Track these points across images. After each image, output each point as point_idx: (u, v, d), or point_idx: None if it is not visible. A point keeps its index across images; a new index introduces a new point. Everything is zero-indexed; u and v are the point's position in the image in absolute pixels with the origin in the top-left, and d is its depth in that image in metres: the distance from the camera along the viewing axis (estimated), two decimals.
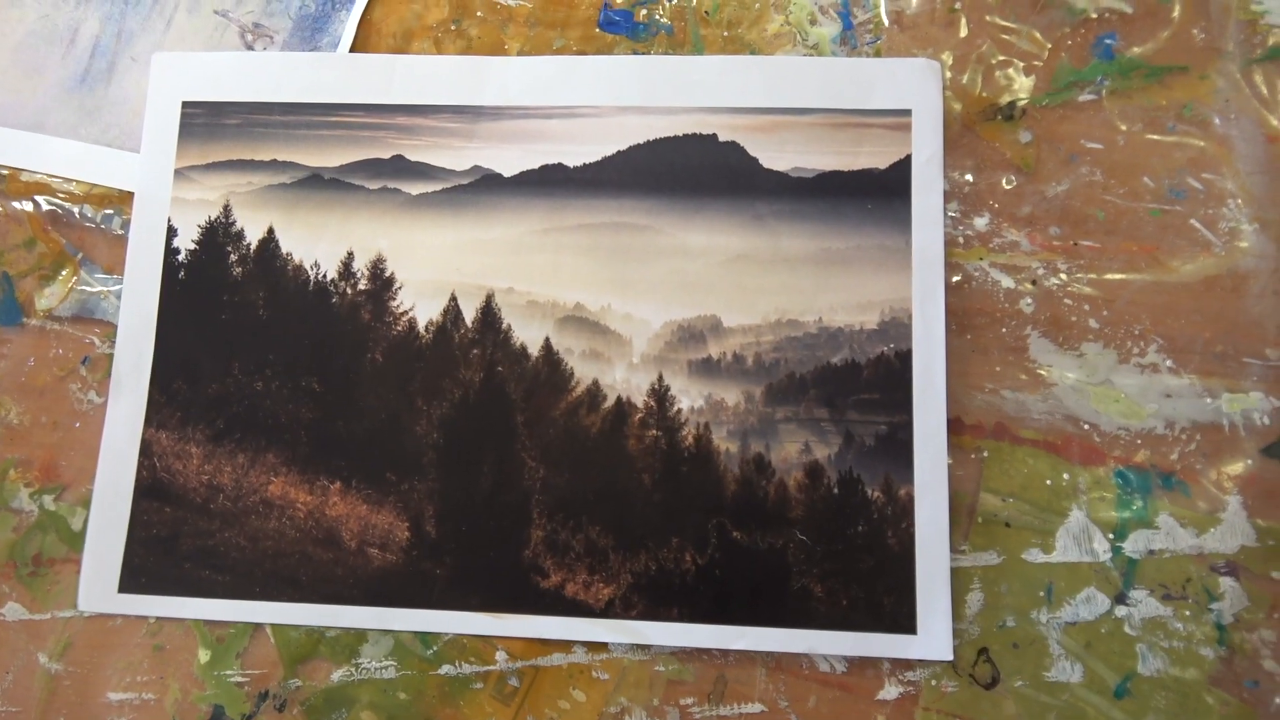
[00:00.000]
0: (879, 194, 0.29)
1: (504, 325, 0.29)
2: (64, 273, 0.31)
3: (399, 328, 0.29)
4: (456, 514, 0.28)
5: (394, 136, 0.30)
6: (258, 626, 0.28)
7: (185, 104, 0.31)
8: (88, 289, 0.31)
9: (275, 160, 0.31)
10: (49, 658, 0.28)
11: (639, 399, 0.28)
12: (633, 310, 0.29)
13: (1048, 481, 0.27)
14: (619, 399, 0.28)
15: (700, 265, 0.29)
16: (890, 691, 0.26)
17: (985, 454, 0.28)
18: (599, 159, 0.30)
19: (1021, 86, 0.30)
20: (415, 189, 0.30)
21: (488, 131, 0.30)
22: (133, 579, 0.28)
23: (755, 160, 0.29)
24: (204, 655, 0.28)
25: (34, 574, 0.29)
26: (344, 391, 0.29)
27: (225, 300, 0.30)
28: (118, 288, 0.30)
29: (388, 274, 0.30)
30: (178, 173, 0.31)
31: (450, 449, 0.28)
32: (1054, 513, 0.27)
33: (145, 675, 0.28)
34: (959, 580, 0.27)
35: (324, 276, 0.30)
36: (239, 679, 0.27)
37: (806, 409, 0.28)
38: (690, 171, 0.29)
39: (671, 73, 0.30)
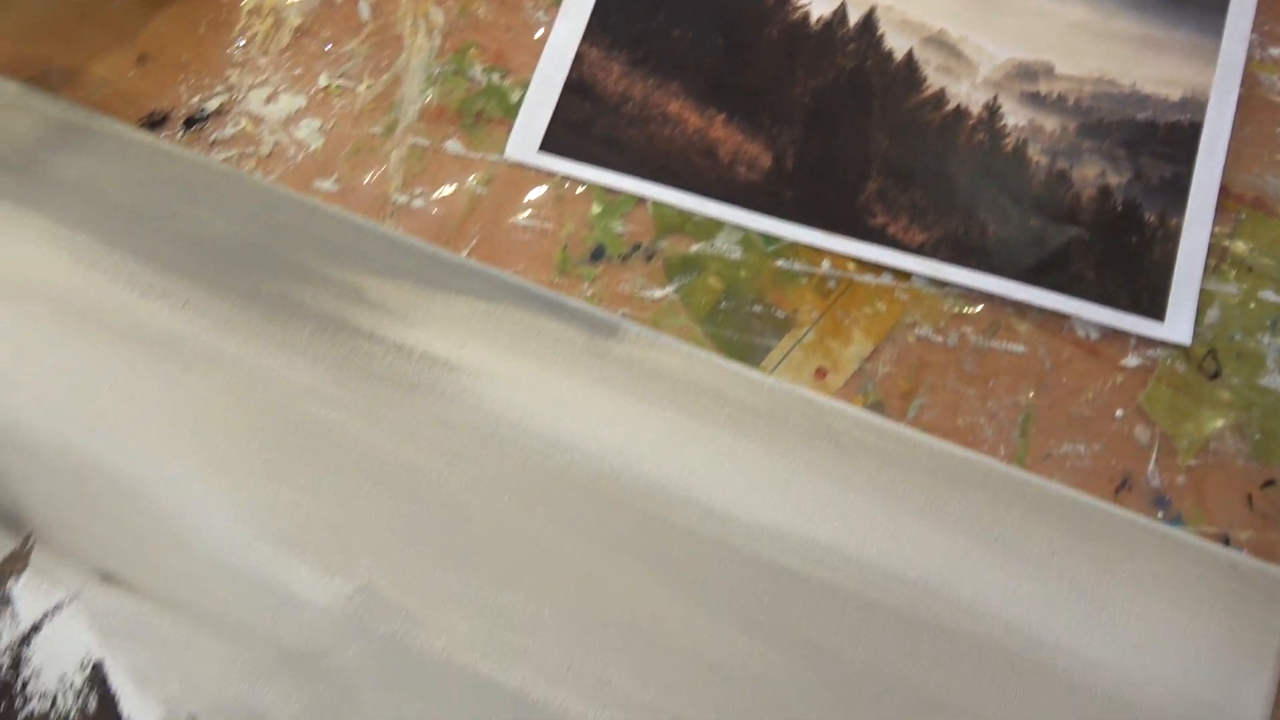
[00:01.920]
0: (1200, 3, 0.36)
1: (879, 32, 0.37)
2: None
3: (795, 16, 0.37)
4: (812, 157, 0.35)
5: None
6: (640, 200, 0.35)
7: None
8: None
9: None
10: (475, 183, 0.36)
11: (975, 110, 0.36)
12: (985, 44, 0.36)
13: None
14: (959, 106, 0.36)
15: (1045, 24, 0.36)
16: (1132, 361, 0.33)
17: (1243, 216, 0.34)
18: None
19: None
20: None
21: None
22: (551, 144, 0.36)
23: None
24: (596, 208, 0.36)
25: (474, 125, 0.37)
26: (741, 52, 0.37)
27: None
28: None
29: None
30: None
31: (816, 111, 0.36)
32: None
33: (547, 211, 0.36)
34: (1203, 298, 0.33)
35: None
36: (620, 230, 0.35)
37: (1109, 147, 0.35)
38: None
39: None
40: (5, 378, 0.32)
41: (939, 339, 0.34)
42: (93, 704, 0.29)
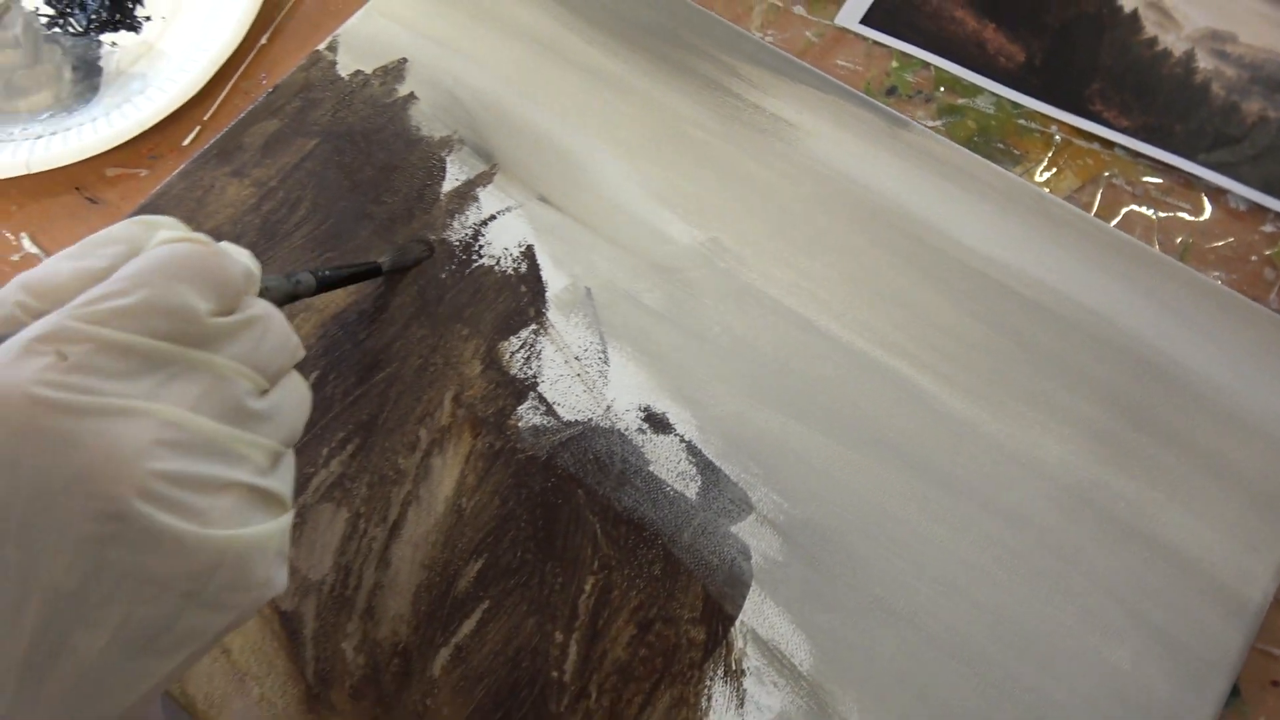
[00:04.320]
0: None
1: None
2: None
3: None
4: (1055, 61, 0.50)
5: None
6: (926, 64, 0.50)
7: None
8: None
9: None
10: (810, 34, 0.51)
11: (1176, 53, 0.50)
12: (1190, 13, 0.50)
13: None
14: (1165, 48, 0.50)
15: (1235, 7, 0.50)
16: (1268, 227, 0.46)
17: None
18: None
19: None
20: None
21: None
22: (869, 20, 0.51)
23: None
24: (894, 64, 0.50)
25: (813, 4, 0.52)
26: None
27: None
28: None
29: None
30: None
31: (1063, 33, 0.50)
32: None
33: (858, 60, 0.51)
34: None
35: None
36: (909, 79, 0.50)
37: (1270, 94, 0.48)
38: None
39: None
40: (495, 72, 0.48)
41: (1128, 189, 0.47)
42: (524, 268, 0.43)
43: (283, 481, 0.26)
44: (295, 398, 0.27)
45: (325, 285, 0.35)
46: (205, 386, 0.24)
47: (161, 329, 0.23)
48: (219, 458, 0.24)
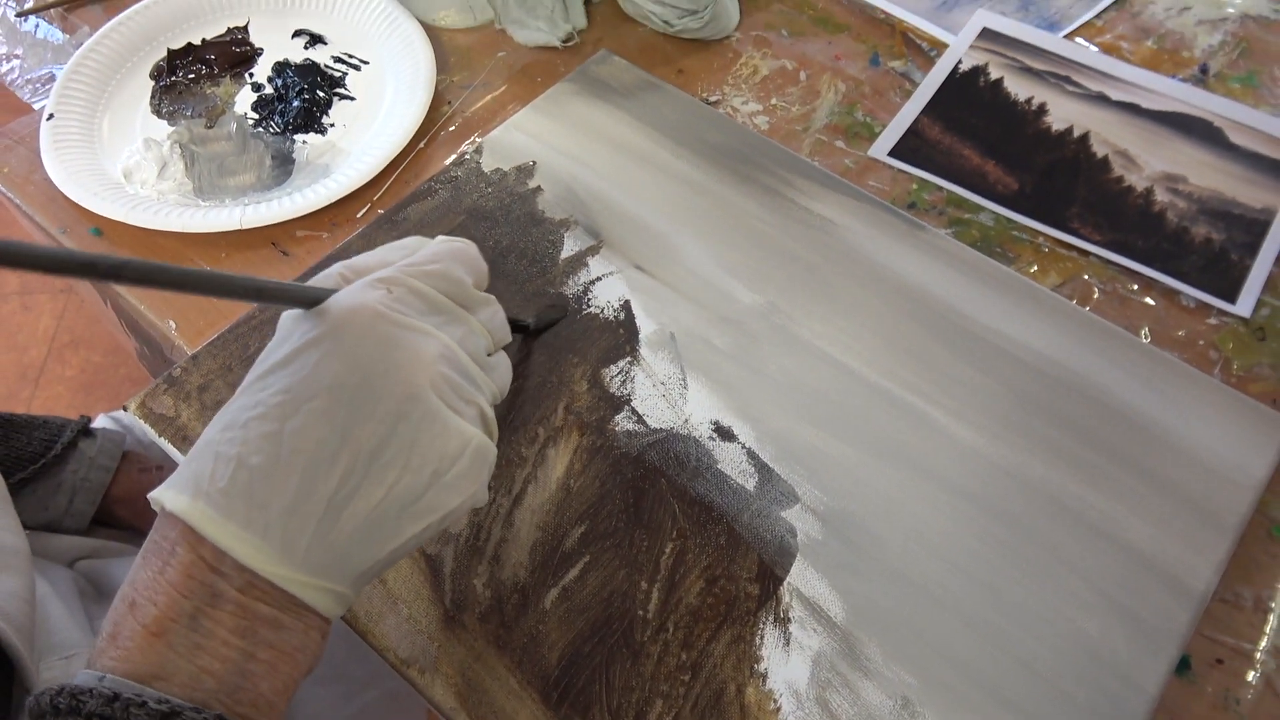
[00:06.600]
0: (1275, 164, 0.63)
1: (1090, 143, 0.65)
2: None
3: (1043, 125, 0.66)
4: (1042, 190, 0.63)
5: None
6: (939, 187, 0.64)
7: None
8: None
9: None
10: (848, 162, 0.65)
11: (1139, 189, 0.63)
12: (1150, 160, 0.64)
13: None
14: (1130, 185, 0.63)
15: (1185, 158, 0.64)
16: (1213, 320, 0.57)
17: None
18: None
19: None
20: None
21: None
22: (895, 153, 0.66)
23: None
24: (914, 185, 0.64)
25: (852, 137, 0.67)
26: (1009, 136, 0.66)
27: None
28: None
29: None
30: None
31: (1047, 171, 0.64)
32: None
33: (885, 182, 0.64)
34: (1260, 296, 0.58)
35: None
36: (926, 198, 0.63)
37: (1215, 221, 0.61)
38: None
39: None
40: (604, 175, 0.62)
41: (1100, 286, 0.59)
42: (622, 316, 0.56)
43: (495, 421, 0.37)
44: (505, 365, 0.39)
45: None
46: (464, 333, 0.36)
47: (446, 289, 0.36)
48: (469, 381, 0.35)
